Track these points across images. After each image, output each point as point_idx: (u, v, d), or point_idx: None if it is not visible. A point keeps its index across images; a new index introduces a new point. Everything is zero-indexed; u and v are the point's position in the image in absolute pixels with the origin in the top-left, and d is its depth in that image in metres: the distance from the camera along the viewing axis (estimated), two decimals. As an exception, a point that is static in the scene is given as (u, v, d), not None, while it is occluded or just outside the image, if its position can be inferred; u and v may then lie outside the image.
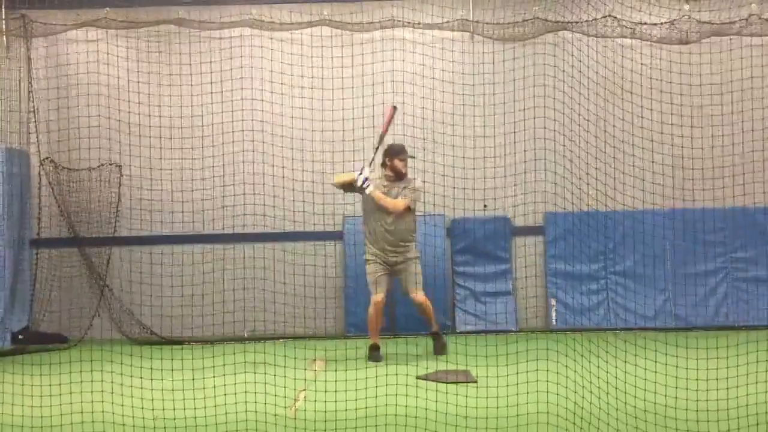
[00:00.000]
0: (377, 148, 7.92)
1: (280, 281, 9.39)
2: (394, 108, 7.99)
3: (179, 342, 9.20)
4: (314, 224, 9.37)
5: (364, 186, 7.76)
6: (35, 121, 9.64)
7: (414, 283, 7.94)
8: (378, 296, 7.89)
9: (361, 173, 7.77)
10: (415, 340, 8.82)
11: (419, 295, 7.95)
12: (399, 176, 7.95)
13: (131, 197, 9.73)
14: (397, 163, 7.93)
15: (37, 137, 9.64)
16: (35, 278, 9.65)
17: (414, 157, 8.24)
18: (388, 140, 8.14)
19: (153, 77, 9.63)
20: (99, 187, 9.72)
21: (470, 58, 9.53)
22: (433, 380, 6.77)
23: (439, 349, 8.11)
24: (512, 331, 9.49)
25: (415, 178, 8.17)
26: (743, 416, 5.19)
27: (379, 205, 7.81)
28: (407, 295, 8.05)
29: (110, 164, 9.70)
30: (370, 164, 7.85)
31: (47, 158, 9.66)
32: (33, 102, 9.64)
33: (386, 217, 7.85)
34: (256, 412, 5.57)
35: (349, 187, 7.97)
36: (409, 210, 7.91)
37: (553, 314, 9.74)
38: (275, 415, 5.64)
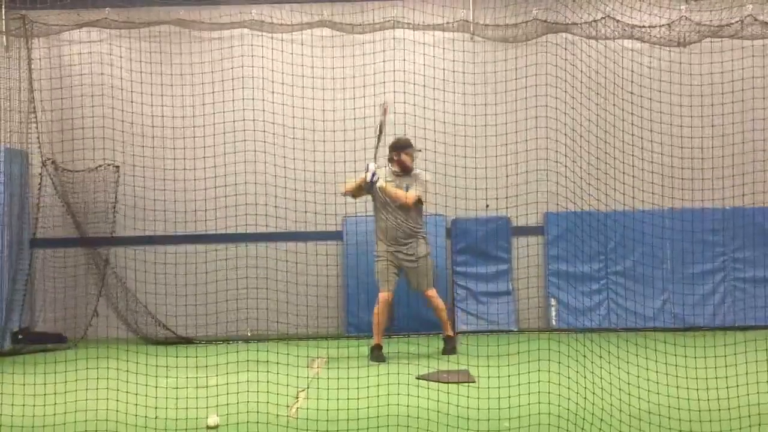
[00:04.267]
0: (378, 144, 7.94)
1: (280, 281, 9.38)
2: (385, 107, 8.01)
3: (184, 341, 9.22)
4: (315, 224, 9.37)
5: (374, 180, 7.77)
6: (36, 121, 9.64)
7: (425, 282, 8.01)
8: (384, 293, 7.90)
9: (367, 170, 7.79)
10: (416, 340, 8.83)
11: (430, 292, 8.04)
12: (406, 170, 8.07)
13: (135, 197, 9.74)
14: (405, 157, 8.05)
15: (38, 138, 9.63)
16: (35, 278, 9.65)
17: (420, 151, 8.28)
18: (388, 139, 8.15)
19: (153, 77, 9.61)
20: (103, 188, 9.73)
21: (471, 58, 9.53)
22: (433, 380, 6.78)
23: (448, 350, 8.11)
24: (512, 331, 9.50)
25: (425, 170, 8.24)
26: (744, 416, 5.20)
27: (390, 198, 7.83)
28: (419, 293, 8.11)
29: (111, 164, 9.70)
30: (375, 159, 7.87)
31: (49, 159, 9.66)
32: (33, 102, 9.64)
33: (396, 212, 7.87)
34: (257, 412, 5.57)
35: (359, 191, 7.99)
36: (420, 202, 7.99)
37: (553, 314, 9.75)
38: (276, 415, 5.64)
